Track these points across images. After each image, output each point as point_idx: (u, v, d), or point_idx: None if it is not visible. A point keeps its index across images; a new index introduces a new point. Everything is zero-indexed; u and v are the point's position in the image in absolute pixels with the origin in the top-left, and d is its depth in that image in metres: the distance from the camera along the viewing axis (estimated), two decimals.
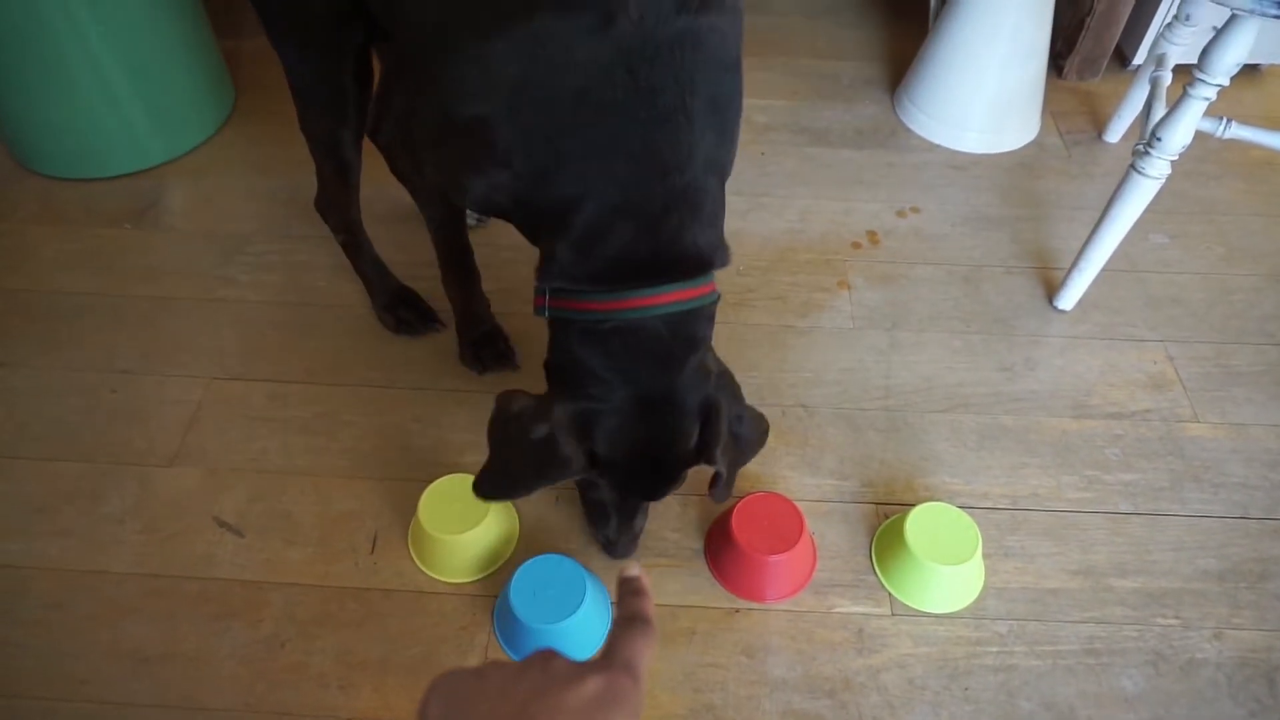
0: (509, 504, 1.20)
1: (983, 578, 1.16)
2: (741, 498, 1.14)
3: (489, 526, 1.12)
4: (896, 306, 1.50)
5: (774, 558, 1.08)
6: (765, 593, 1.12)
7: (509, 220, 0.97)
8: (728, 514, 1.14)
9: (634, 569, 0.55)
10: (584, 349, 0.92)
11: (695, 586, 1.15)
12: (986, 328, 1.48)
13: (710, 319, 0.96)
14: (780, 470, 1.27)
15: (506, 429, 0.97)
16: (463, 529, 1.11)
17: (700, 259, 0.90)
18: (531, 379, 1.35)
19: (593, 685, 0.42)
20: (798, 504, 1.17)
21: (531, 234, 0.96)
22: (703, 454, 0.95)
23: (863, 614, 1.13)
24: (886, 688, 1.06)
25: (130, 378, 1.36)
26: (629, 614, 0.51)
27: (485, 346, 1.36)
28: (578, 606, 1.04)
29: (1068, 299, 1.50)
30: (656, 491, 1.01)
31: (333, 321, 1.44)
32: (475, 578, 1.14)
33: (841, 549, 1.19)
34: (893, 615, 1.13)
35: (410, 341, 1.41)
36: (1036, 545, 1.20)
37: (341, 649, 1.08)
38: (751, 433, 1.04)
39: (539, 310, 0.97)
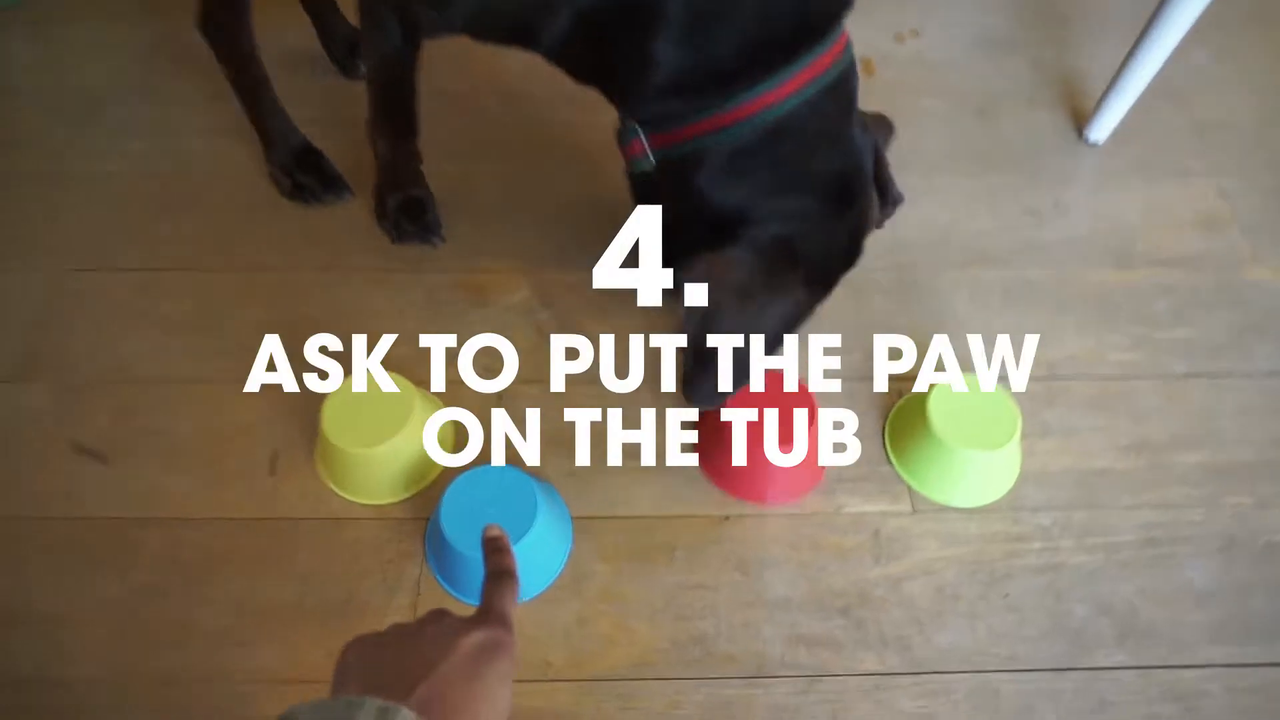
0: (434, 403, 0.97)
1: (1019, 462, 0.96)
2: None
3: (411, 435, 0.90)
4: (899, 147, 1.24)
5: (780, 448, 0.88)
6: (766, 491, 0.91)
7: (527, 45, 0.76)
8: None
9: (495, 529, 0.64)
10: (739, 171, 0.75)
11: (676, 492, 0.94)
12: (1007, 167, 1.24)
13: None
14: None
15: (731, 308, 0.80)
16: (378, 440, 0.88)
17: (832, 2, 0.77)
18: (456, 255, 1.10)
19: (479, 635, 0.49)
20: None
21: (591, 55, 0.75)
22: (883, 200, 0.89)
23: (878, 513, 0.93)
24: (912, 599, 0.87)
25: None
26: (496, 570, 0.60)
27: (409, 214, 1.11)
28: (528, 527, 0.83)
29: (1100, 130, 1.26)
30: (850, 267, 0.89)
31: (214, 194, 1.17)
32: (400, 498, 0.92)
33: (848, 437, 0.98)
34: (914, 513, 0.93)
35: (310, 213, 1.15)
36: (1079, 419, 1.00)
37: (238, 596, 0.87)
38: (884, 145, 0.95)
39: (638, 161, 0.80)
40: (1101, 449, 0.98)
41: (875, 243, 1.14)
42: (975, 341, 1.06)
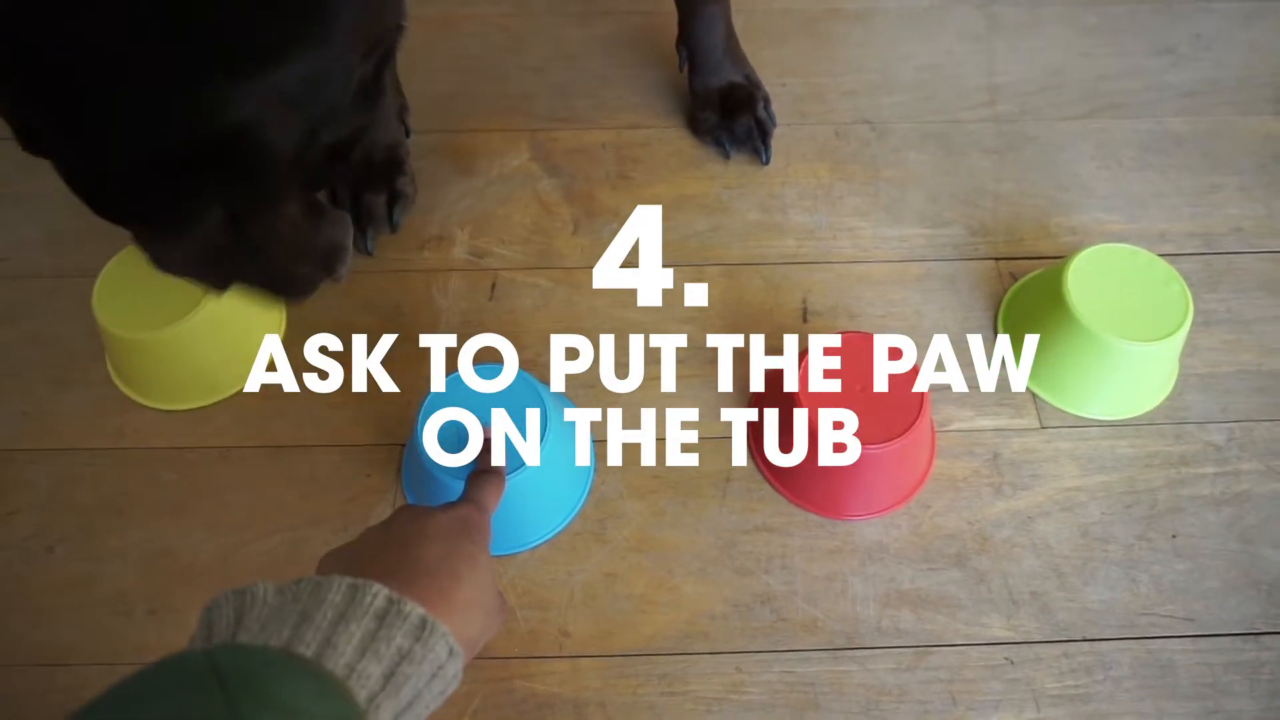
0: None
1: (1178, 361, 0.73)
2: (808, 348, 0.66)
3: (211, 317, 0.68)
4: None
5: (873, 449, 0.62)
6: (853, 504, 0.67)
7: None
8: (794, 369, 0.68)
9: (490, 431, 0.60)
10: None
11: (725, 403, 0.71)
12: None
13: None
14: (845, 217, 0.81)
15: None
16: (161, 323, 0.67)
17: None
18: (437, 115, 0.86)
19: (448, 515, 0.48)
20: (875, 265, 0.73)
21: None
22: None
23: (996, 430, 0.70)
24: (1047, 543, 0.65)
25: None
26: (482, 467, 0.57)
27: (371, 184, 0.78)
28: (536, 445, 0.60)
29: None
30: None
31: None
32: (200, 403, 0.71)
33: (950, 331, 0.75)
34: (1043, 428, 0.71)
35: None
36: (1250, 304, 0.77)
37: (148, 546, 0.65)
38: None
39: None
40: None
41: (970, 90, 0.90)
42: (1108, 209, 0.82)
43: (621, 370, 0.73)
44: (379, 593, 0.36)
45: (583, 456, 0.67)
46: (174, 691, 0.29)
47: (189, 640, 0.36)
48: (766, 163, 0.83)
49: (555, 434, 0.62)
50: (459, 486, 0.56)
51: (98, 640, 0.62)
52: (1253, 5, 0.97)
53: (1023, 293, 0.75)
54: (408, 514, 0.48)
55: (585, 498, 0.67)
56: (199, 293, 0.67)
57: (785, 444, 0.65)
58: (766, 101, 0.85)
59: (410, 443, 0.66)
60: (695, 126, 0.85)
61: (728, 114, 0.83)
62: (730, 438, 0.70)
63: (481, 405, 0.62)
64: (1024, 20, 0.95)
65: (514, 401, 0.62)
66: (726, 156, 0.84)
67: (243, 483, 0.68)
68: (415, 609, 0.37)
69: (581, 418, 0.69)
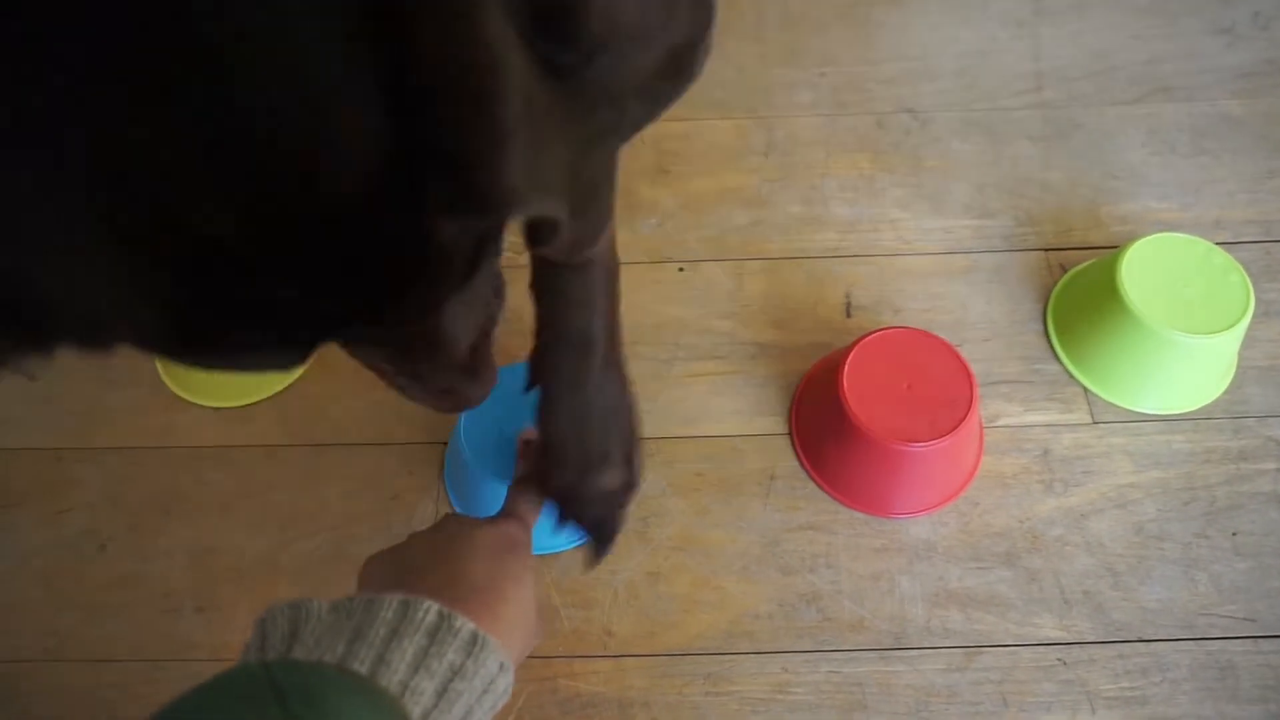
0: None
1: (1237, 353, 0.71)
2: (853, 344, 0.64)
3: None
4: None
5: (920, 447, 0.61)
6: (899, 502, 0.66)
7: None
8: (831, 372, 0.67)
9: (532, 432, 0.55)
10: None
11: (770, 401, 0.71)
12: None
13: None
14: (887, 209, 0.80)
15: None
16: None
17: None
18: None
19: (495, 531, 0.47)
20: (919, 257, 0.72)
21: None
22: None
23: (1047, 425, 0.69)
24: (1101, 542, 0.64)
25: None
26: (523, 474, 0.55)
27: None
28: None
29: None
30: None
31: None
32: (251, 400, 0.72)
33: (997, 324, 0.74)
34: (1094, 424, 0.69)
35: None
36: None
37: (196, 545, 0.66)
38: None
39: None
40: None
41: (1014, 76, 0.88)
42: (1161, 196, 0.79)
43: (663, 367, 0.72)
44: (430, 608, 0.36)
45: None
46: (234, 705, 0.29)
47: (243, 650, 0.36)
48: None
49: None
50: (501, 489, 0.55)
51: (146, 637, 0.63)
52: None
53: (1073, 284, 0.73)
54: (455, 525, 0.48)
55: None
56: None
57: (830, 442, 0.65)
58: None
59: (452, 442, 0.66)
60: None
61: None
62: (774, 435, 0.69)
63: (521, 403, 0.62)
64: (1071, 2, 0.93)
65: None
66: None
67: (287, 481, 0.68)
68: (466, 624, 0.37)
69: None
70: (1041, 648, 0.61)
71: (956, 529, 0.65)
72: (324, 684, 0.31)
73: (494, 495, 0.58)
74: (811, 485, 0.67)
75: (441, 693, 0.35)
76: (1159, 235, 0.68)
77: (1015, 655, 0.60)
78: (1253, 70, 0.87)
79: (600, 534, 0.55)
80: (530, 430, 0.56)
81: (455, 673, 0.35)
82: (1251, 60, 0.88)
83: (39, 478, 0.70)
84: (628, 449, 0.55)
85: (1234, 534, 0.64)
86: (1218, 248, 0.68)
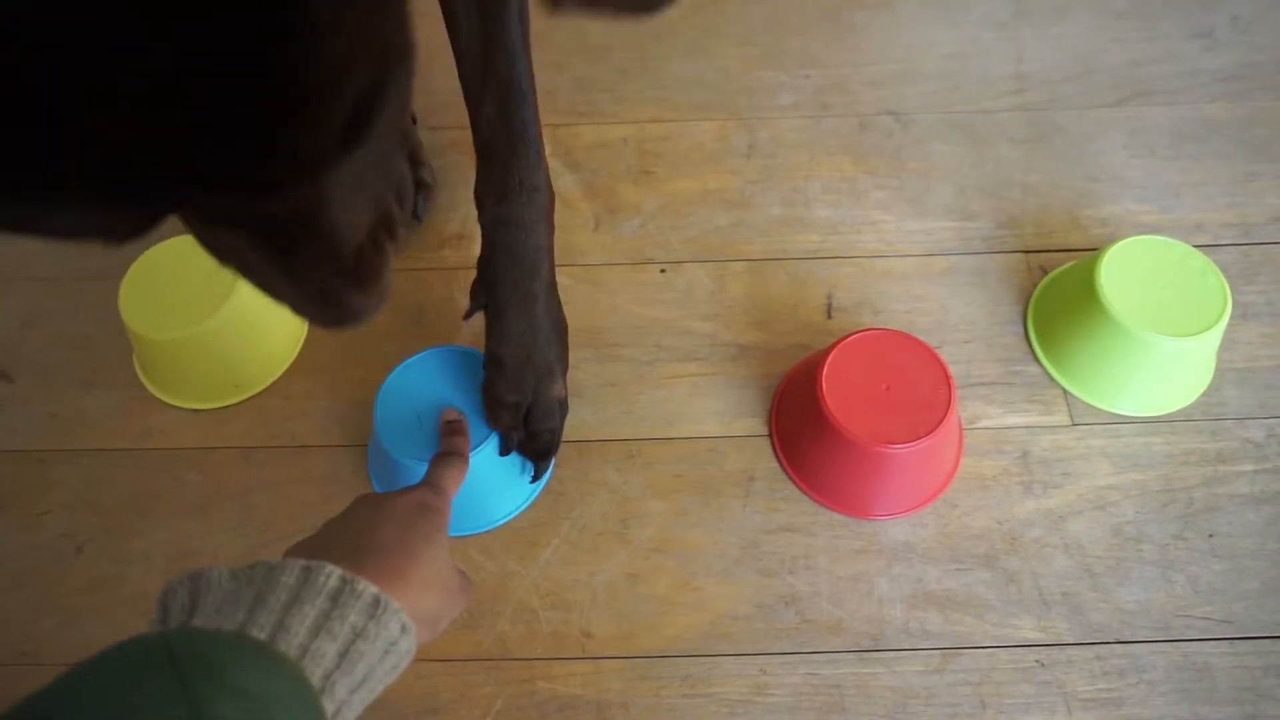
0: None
1: (1216, 356, 0.71)
2: (832, 345, 0.64)
3: (235, 318, 0.68)
4: None
5: (899, 448, 0.61)
6: (878, 503, 0.66)
7: None
8: (810, 374, 0.67)
9: (453, 411, 0.62)
10: None
11: (749, 403, 0.71)
12: None
13: None
14: (869, 210, 0.80)
15: None
16: (188, 324, 0.67)
17: None
18: (458, 108, 0.86)
19: (405, 498, 0.49)
20: (900, 259, 0.72)
21: None
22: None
23: (1026, 427, 0.69)
24: (1079, 543, 0.64)
25: None
26: (445, 450, 0.58)
27: None
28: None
29: None
30: None
31: None
32: (229, 401, 0.72)
33: (977, 326, 0.74)
34: (1074, 425, 0.69)
35: None
36: None
37: (173, 547, 0.66)
38: None
39: None
40: None
41: (996, 78, 0.88)
42: (1141, 199, 0.80)
43: (644, 368, 0.72)
44: (332, 573, 0.37)
45: None
46: (129, 673, 0.29)
47: (148, 625, 0.36)
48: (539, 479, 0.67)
49: None
50: (421, 469, 0.57)
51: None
52: None
53: (1053, 287, 0.74)
54: (366, 501, 0.49)
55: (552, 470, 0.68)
56: (223, 293, 0.67)
57: (809, 443, 0.65)
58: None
59: (373, 432, 0.66)
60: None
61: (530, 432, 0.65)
62: (754, 436, 0.69)
63: (434, 390, 0.63)
64: (1052, 5, 0.93)
65: (472, 381, 0.64)
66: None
67: (265, 483, 0.68)
68: (368, 588, 0.37)
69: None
70: (1019, 649, 0.61)
71: (935, 531, 0.65)
72: (220, 651, 0.31)
73: (414, 477, 0.60)
74: (791, 487, 0.67)
75: (343, 654, 0.35)
76: (1137, 238, 0.68)
77: (993, 657, 0.61)
78: (1232, 74, 0.88)
79: (545, 452, 0.64)
80: (451, 410, 0.62)
81: (357, 634, 0.36)
82: (1231, 64, 0.88)
83: (18, 480, 0.69)
84: (565, 363, 0.65)
85: (1211, 535, 0.64)
86: (1196, 250, 0.68)
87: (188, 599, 0.36)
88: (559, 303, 0.64)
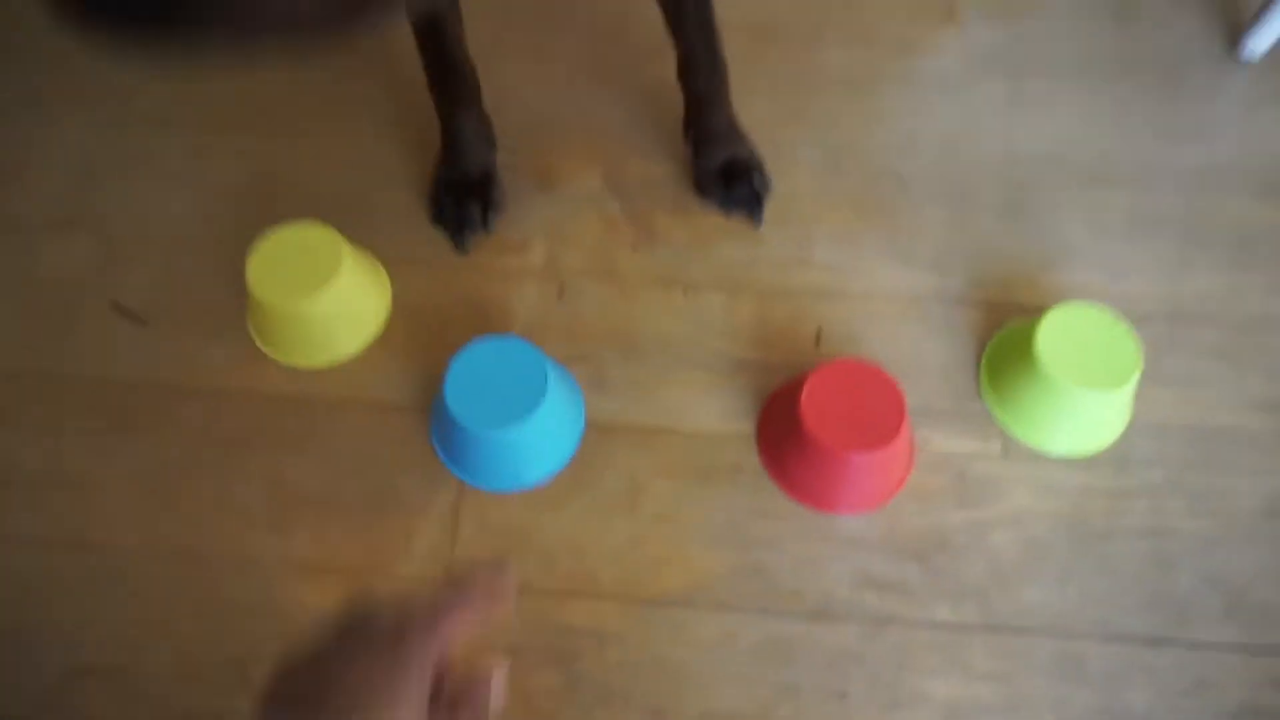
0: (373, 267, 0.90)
1: (1131, 409, 0.86)
2: (815, 369, 0.80)
3: (340, 288, 0.84)
4: (1021, 47, 1.11)
5: (859, 455, 0.77)
6: (839, 501, 0.81)
7: None
8: (794, 390, 0.82)
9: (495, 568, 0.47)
10: None
11: (744, 406, 0.86)
12: (1142, 79, 1.09)
13: None
14: (864, 258, 0.95)
15: None
16: (306, 292, 0.83)
17: None
18: (524, 134, 1.01)
19: (388, 657, 0.40)
20: (885, 302, 0.87)
21: None
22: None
23: (966, 454, 0.84)
24: (996, 551, 0.79)
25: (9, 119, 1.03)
26: (472, 585, 0.45)
27: (454, 194, 0.94)
28: (539, 401, 0.76)
29: (1257, 45, 1.10)
30: None
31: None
32: (334, 359, 0.88)
33: (939, 365, 0.89)
34: (1005, 456, 0.84)
35: (374, 87, 1.06)
36: (1205, 368, 0.89)
37: (273, 478, 0.82)
38: None
39: None
40: (1227, 404, 0.87)
41: (987, 154, 1.03)
42: (1093, 271, 0.95)
43: (662, 371, 0.88)
44: None
45: (578, 413, 0.84)
46: None
47: None
48: (759, 226, 0.96)
49: (555, 392, 0.78)
50: (489, 438, 0.72)
51: (234, 547, 0.79)
52: (1252, 100, 1.08)
53: (1005, 339, 0.89)
54: (338, 654, 0.41)
55: (578, 445, 0.83)
56: (328, 275, 0.83)
57: (788, 447, 0.80)
58: (761, 172, 0.97)
59: (439, 396, 0.79)
60: (700, 192, 0.97)
61: (728, 183, 0.96)
62: (744, 436, 0.85)
63: (499, 368, 0.78)
64: (1042, 95, 1.07)
65: (522, 369, 0.78)
66: (726, 216, 0.97)
67: (349, 432, 0.84)
68: None
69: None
70: (935, 629, 0.76)
71: (882, 528, 0.80)
72: None
73: (476, 445, 0.76)
74: (769, 481, 0.82)
75: None
76: (1075, 304, 0.83)
77: (914, 633, 0.76)
78: (1189, 170, 1.02)
79: (757, 202, 0.96)
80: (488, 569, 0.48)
81: None
82: (1190, 162, 1.02)
83: (147, 408, 0.86)
84: (745, 145, 0.97)
85: (1103, 556, 0.79)
86: (1120, 319, 0.83)
87: None
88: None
